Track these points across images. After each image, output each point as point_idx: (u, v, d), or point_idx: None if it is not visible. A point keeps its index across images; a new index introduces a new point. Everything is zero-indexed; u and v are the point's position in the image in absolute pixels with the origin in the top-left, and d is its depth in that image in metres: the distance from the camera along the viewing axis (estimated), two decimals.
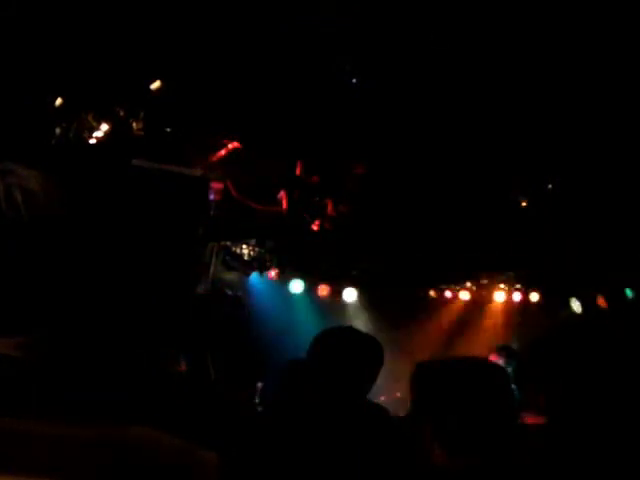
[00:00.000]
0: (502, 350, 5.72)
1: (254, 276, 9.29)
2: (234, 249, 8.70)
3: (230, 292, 8.89)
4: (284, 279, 9.92)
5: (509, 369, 4.91)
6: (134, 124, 6.06)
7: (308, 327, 8.09)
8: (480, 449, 1.89)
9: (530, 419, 3.92)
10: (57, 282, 0.91)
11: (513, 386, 2.13)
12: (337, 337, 2.79)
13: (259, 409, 6.64)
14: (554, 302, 9.66)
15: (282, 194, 7.59)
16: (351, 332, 2.86)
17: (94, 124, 5.97)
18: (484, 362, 2.40)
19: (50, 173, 0.93)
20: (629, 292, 8.00)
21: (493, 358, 5.38)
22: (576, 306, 9.16)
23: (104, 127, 6.01)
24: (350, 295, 10.25)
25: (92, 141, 5.98)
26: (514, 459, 1.98)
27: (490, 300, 10.19)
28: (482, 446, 1.90)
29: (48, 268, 0.90)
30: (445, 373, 2.00)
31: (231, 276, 8.89)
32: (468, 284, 10.33)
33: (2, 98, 4.92)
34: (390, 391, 7.35)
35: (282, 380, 3.86)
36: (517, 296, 9.94)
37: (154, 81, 5.77)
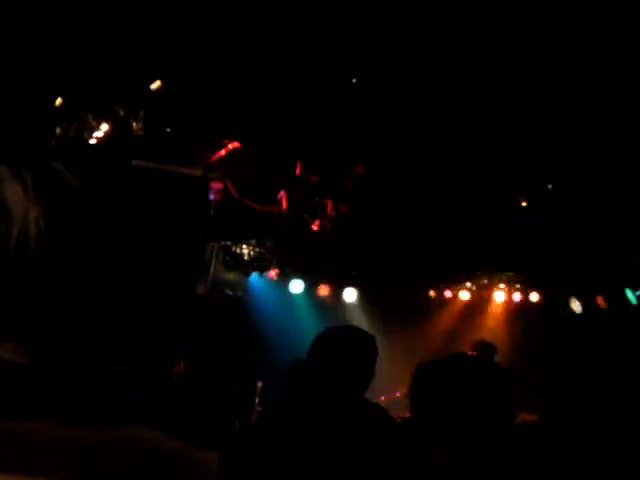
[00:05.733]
0: (481, 346, 5.76)
1: (254, 276, 9.28)
2: (234, 249, 8.69)
3: (230, 292, 8.88)
4: (284, 279, 9.91)
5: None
6: (134, 124, 6.06)
7: (308, 327, 8.09)
8: (479, 448, 1.89)
9: (526, 417, 3.93)
10: (56, 283, 0.91)
11: None
12: (336, 336, 2.80)
13: (259, 409, 6.64)
14: (554, 302, 9.65)
15: (282, 194, 7.59)
16: (349, 331, 2.88)
17: (94, 124, 5.97)
18: (483, 362, 2.40)
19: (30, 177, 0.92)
20: (630, 294, 7.98)
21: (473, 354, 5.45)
22: (576, 306, 9.15)
23: (104, 127, 6.01)
24: (350, 295, 10.24)
25: (92, 141, 5.98)
26: (512, 457, 1.98)
27: (490, 300, 10.18)
28: (481, 445, 1.89)
29: (46, 270, 0.90)
30: (444, 375, 2.00)
31: (231, 276, 8.88)
32: (468, 284, 10.32)
33: (2, 98, 4.92)
34: (390, 391, 7.35)
35: (283, 380, 3.87)
36: (517, 296, 9.94)
37: (154, 81, 5.77)
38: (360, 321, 9.43)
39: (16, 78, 4.97)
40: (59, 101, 5.64)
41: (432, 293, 10.43)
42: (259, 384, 6.89)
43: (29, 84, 5.13)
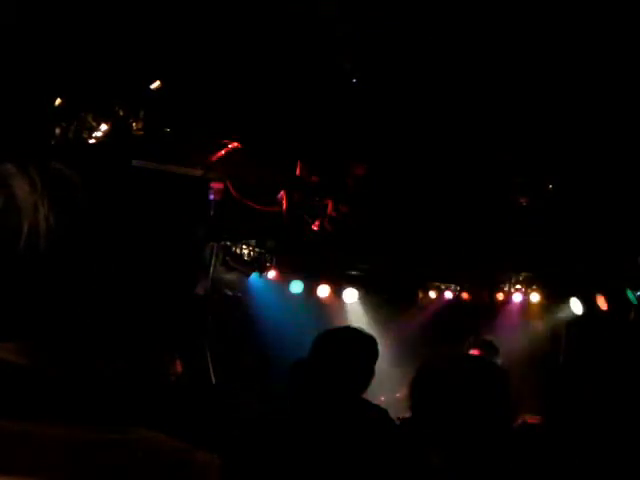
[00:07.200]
0: (482, 344, 5.72)
1: (254, 276, 9.28)
2: (234, 249, 8.69)
3: (230, 292, 8.89)
4: (284, 279, 9.91)
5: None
6: (134, 124, 6.06)
7: (308, 327, 8.08)
8: (478, 449, 1.89)
9: (528, 418, 3.93)
10: (56, 284, 0.91)
11: None
12: (337, 337, 2.80)
13: (259, 409, 6.64)
14: (554, 302, 9.65)
15: (282, 194, 7.59)
16: (349, 331, 2.88)
17: (94, 124, 5.97)
18: (484, 362, 2.40)
19: (37, 175, 0.93)
20: (630, 294, 7.97)
21: (475, 352, 5.41)
22: (576, 307, 9.13)
23: (104, 127, 6.01)
24: (350, 295, 10.24)
25: (92, 141, 5.98)
26: (512, 458, 1.99)
27: (490, 300, 10.17)
28: (481, 446, 1.89)
29: (46, 270, 0.90)
30: (444, 375, 2.00)
31: (231, 276, 8.88)
32: (468, 284, 10.32)
33: (2, 98, 4.92)
34: (390, 391, 7.35)
35: (285, 381, 3.86)
36: (517, 296, 9.93)
37: (154, 81, 5.77)
38: (360, 321, 9.43)
39: (16, 78, 4.97)
40: (59, 101, 5.64)
41: (432, 293, 10.43)
42: (259, 384, 6.90)
43: (29, 84, 5.12)
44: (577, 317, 9.11)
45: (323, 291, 10.14)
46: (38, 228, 0.89)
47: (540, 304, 9.80)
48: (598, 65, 5.23)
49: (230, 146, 6.88)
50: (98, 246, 0.97)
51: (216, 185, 7.23)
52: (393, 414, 2.96)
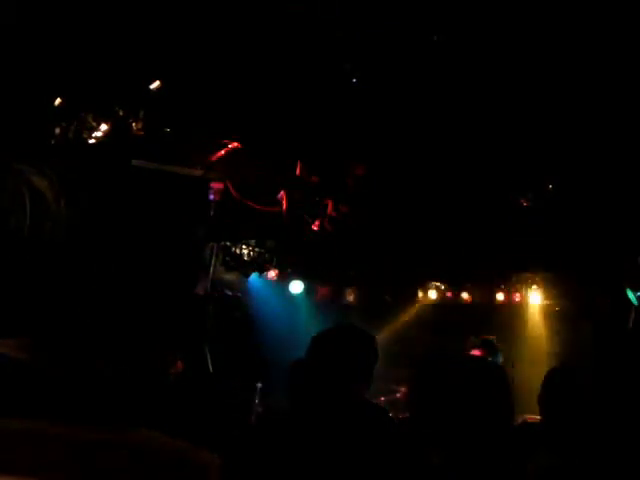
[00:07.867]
0: (484, 344, 5.70)
1: (254, 276, 9.28)
2: (234, 249, 8.69)
3: (230, 292, 8.89)
4: (284, 279, 9.91)
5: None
6: (134, 124, 6.06)
7: (308, 327, 8.09)
8: (478, 449, 1.89)
9: (529, 418, 3.93)
10: (57, 282, 0.91)
11: None
12: (336, 336, 2.79)
13: (259, 410, 6.64)
14: (554, 302, 9.66)
15: (282, 194, 7.59)
16: (349, 331, 2.87)
17: (94, 124, 5.97)
18: (485, 362, 2.40)
19: (52, 173, 0.94)
20: (631, 295, 7.96)
21: (476, 352, 5.40)
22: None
23: (104, 127, 6.01)
24: (349, 295, 10.25)
25: (92, 141, 5.98)
26: (512, 458, 1.98)
27: (490, 300, 10.17)
28: (481, 446, 1.89)
29: (49, 268, 0.90)
30: (446, 375, 2.00)
31: (231, 276, 8.89)
32: (468, 284, 10.33)
33: (2, 98, 4.92)
34: (390, 391, 7.36)
35: (285, 381, 3.86)
36: (517, 297, 9.94)
37: (154, 81, 5.77)
38: (359, 321, 9.43)
39: (17, 78, 4.97)
40: (59, 101, 5.64)
41: (432, 293, 10.43)
42: (259, 385, 6.90)
43: (29, 84, 5.12)
44: (577, 317, 9.11)
45: (322, 291, 10.16)
46: (61, 220, 0.91)
47: (540, 304, 9.80)
48: (597, 66, 5.23)
49: (230, 146, 6.88)
50: (98, 246, 0.97)
51: (216, 185, 7.24)
52: (393, 414, 2.96)
